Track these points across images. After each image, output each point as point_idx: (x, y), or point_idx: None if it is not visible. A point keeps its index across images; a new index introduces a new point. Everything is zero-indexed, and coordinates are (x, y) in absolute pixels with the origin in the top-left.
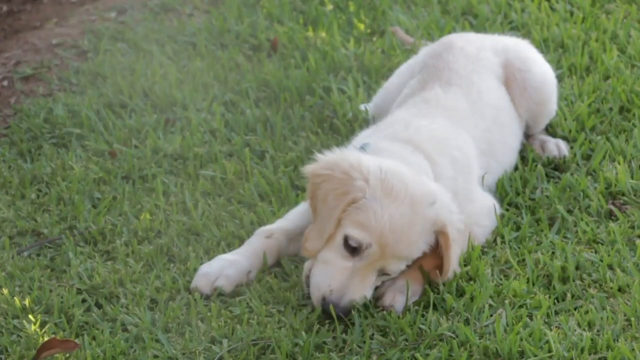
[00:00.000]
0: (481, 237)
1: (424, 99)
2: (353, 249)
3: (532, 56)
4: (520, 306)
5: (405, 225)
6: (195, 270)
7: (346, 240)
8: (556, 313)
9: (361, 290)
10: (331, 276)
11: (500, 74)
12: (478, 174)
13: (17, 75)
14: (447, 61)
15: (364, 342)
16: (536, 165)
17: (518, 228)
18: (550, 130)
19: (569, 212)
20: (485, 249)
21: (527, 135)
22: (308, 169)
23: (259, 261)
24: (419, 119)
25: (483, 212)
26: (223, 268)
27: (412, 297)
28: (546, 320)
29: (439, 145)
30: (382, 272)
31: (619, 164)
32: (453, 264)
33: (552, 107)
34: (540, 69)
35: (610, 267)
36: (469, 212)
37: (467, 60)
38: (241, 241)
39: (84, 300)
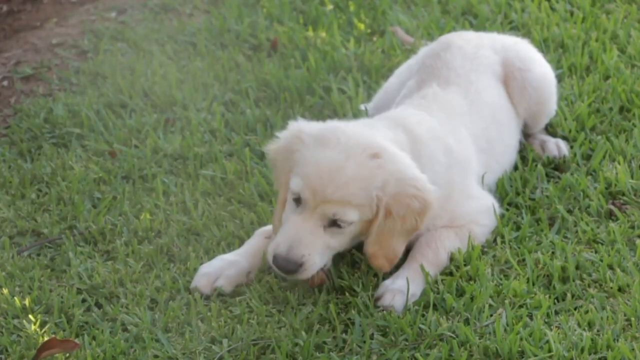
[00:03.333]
0: (480, 236)
1: (422, 95)
2: (297, 201)
3: (532, 55)
4: (520, 306)
5: (333, 167)
6: (195, 270)
7: (292, 195)
8: (556, 313)
9: (311, 246)
10: (281, 232)
11: (499, 73)
12: (477, 172)
13: (17, 75)
14: (445, 60)
15: (364, 342)
16: (536, 165)
17: (518, 228)
18: (550, 130)
19: (569, 212)
20: (485, 249)
21: (527, 135)
22: (268, 149)
23: (258, 261)
24: (416, 111)
25: (482, 210)
26: (223, 268)
27: (412, 297)
28: (546, 320)
29: (432, 131)
30: (329, 222)
31: (619, 164)
32: (377, 241)
33: (551, 106)
34: (540, 68)
35: (610, 267)
36: (468, 210)
37: (465, 59)
38: (241, 241)
39: (84, 300)
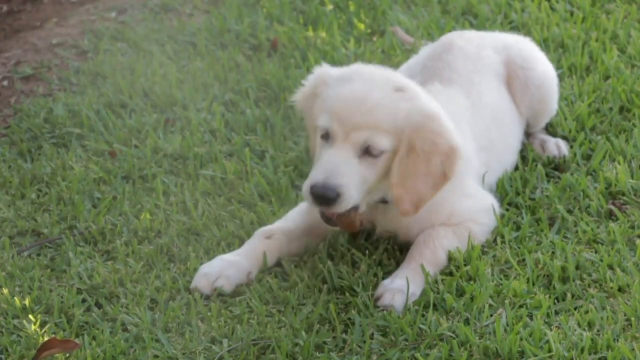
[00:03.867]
0: (479, 235)
1: (426, 90)
2: (326, 137)
3: (534, 54)
4: (520, 306)
5: (359, 96)
6: (195, 270)
7: (320, 132)
8: (556, 313)
9: (348, 175)
10: (316, 166)
11: (501, 73)
12: (477, 170)
13: (17, 75)
14: (447, 61)
15: (364, 342)
16: (536, 165)
17: (518, 228)
18: (550, 129)
19: (569, 212)
20: (485, 249)
21: (527, 135)
22: (294, 97)
23: (259, 261)
24: None
25: (481, 209)
26: (223, 268)
27: (412, 296)
28: (546, 320)
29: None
30: (362, 150)
31: (619, 164)
32: (402, 181)
33: (553, 105)
34: (542, 66)
35: (610, 267)
36: (466, 209)
37: (467, 60)
38: (241, 241)
39: (84, 300)
